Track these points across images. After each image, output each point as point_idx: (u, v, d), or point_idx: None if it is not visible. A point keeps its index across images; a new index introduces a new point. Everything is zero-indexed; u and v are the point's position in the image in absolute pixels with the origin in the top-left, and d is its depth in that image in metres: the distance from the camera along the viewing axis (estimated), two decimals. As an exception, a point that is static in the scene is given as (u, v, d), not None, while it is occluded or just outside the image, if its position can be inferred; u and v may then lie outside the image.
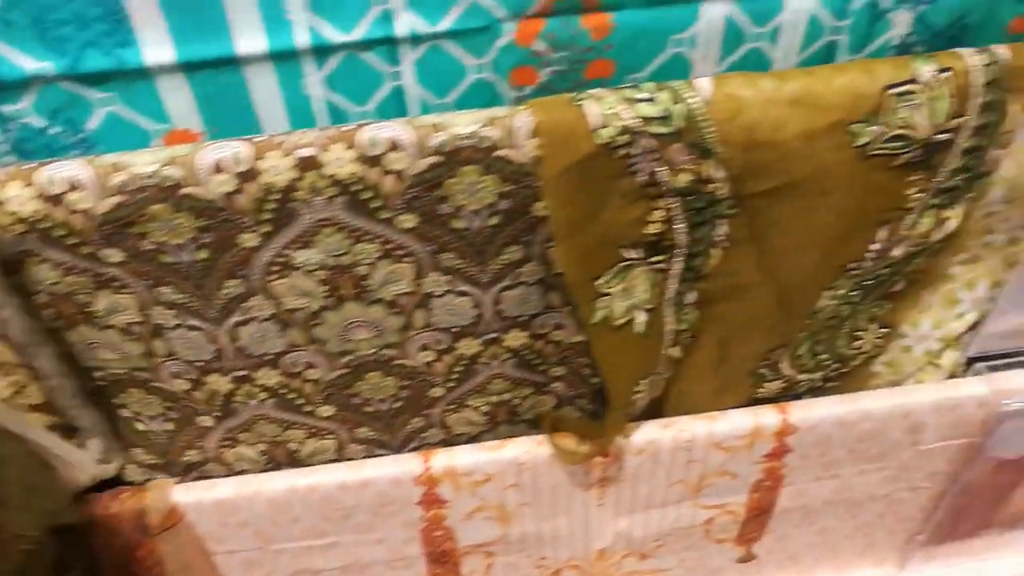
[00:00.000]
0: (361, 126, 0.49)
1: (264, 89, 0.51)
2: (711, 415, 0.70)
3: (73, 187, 0.49)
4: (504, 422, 0.68)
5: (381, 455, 0.68)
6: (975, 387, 0.71)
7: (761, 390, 0.70)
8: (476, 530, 0.74)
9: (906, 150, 0.53)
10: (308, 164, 0.49)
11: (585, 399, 0.68)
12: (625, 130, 0.50)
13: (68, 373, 0.59)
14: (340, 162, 0.49)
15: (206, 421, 0.64)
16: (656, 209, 0.55)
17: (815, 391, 0.73)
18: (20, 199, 0.48)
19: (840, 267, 0.60)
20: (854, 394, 0.71)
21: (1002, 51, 0.51)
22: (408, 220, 0.53)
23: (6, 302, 0.52)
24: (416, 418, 0.66)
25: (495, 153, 0.50)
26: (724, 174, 0.53)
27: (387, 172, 0.50)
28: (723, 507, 0.77)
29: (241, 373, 0.61)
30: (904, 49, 0.55)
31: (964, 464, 0.77)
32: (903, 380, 0.73)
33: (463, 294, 0.58)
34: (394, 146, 0.49)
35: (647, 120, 0.50)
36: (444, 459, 0.68)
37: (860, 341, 0.68)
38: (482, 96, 0.53)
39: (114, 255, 0.52)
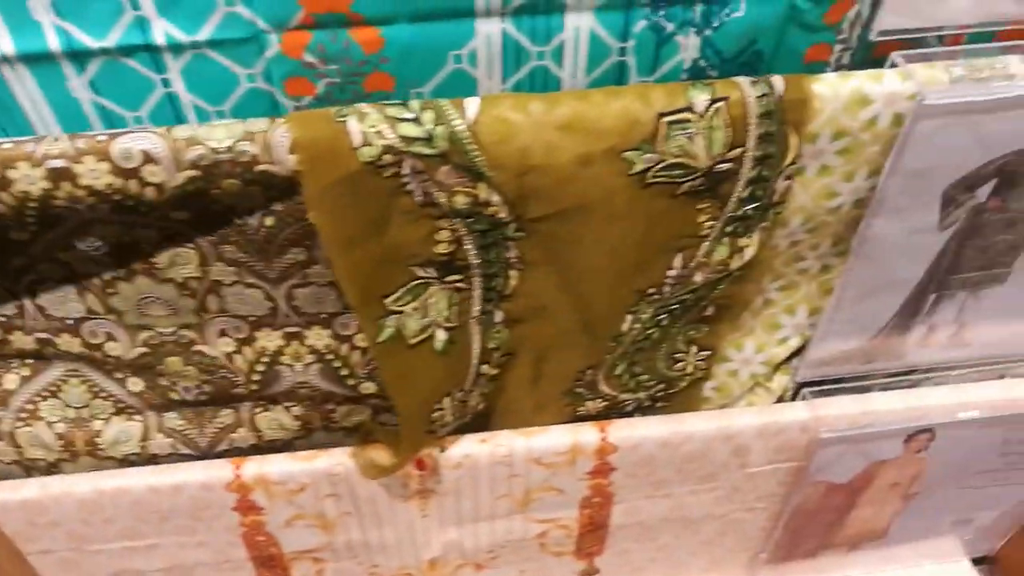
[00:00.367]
0: (114, 136, 0.47)
1: (26, 91, 0.49)
2: (529, 431, 0.68)
3: None
4: (320, 429, 0.66)
5: (188, 454, 0.66)
6: (797, 413, 0.70)
7: (583, 408, 0.69)
8: (299, 537, 0.72)
9: (687, 178, 0.52)
10: (61, 175, 0.47)
11: (399, 411, 0.67)
12: (388, 149, 0.48)
13: None
14: (95, 174, 0.47)
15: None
16: (442, 229, 0.53)
17: (644, 410, 0.71)
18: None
19: (639, 291, 0.58)
20: (676, 415, 0.69)
21: (778, 82, 0.50)
22: (181, 215, 0.51)
23: None
24: (225, 410, 0.64)
25: (256, 168, 0.48)
26: (500, 198, 0.51)
27: (146, 184, 0.48)
28: (554, 521, 0.76)
29: (43, 335, 0.59)
30: (697, 73, 0.54)
31: (795, 487, 0.76)
32: (733, 403, 0.72)
33: (253, 286, 0.56)
34: (149, 159, 0.47)
35: (410, 140, 0.48)
36: (255, 467, 0.67)
37: (681, 363, 0.67)
38: (261, 104, 0.51)
39: None
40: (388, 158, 0.49)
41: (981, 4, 0.52)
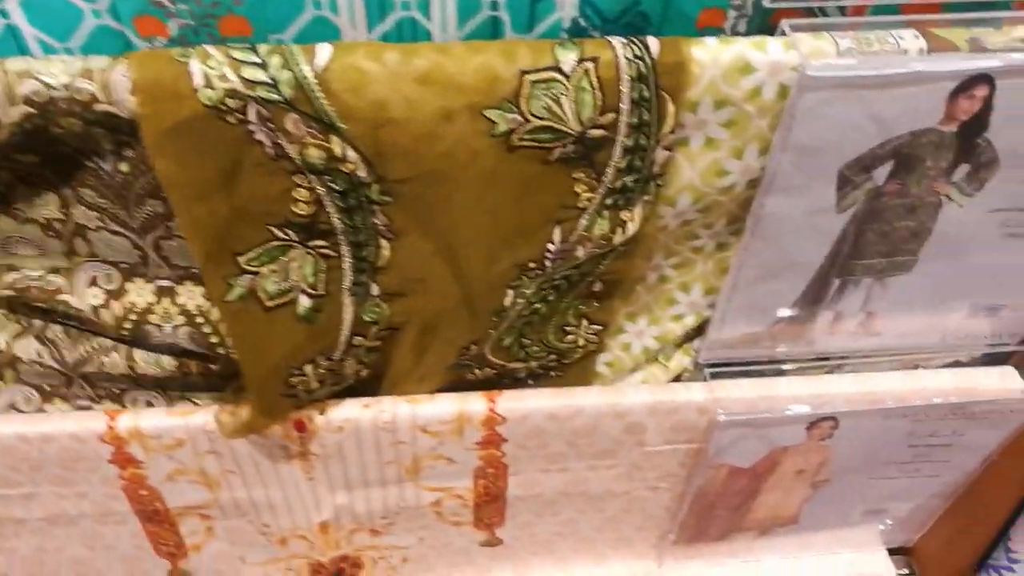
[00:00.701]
0: (-58, 64, 0.43)
1: None
2: (414, 398, 0.66)
3: None
4: (196, 374, 0.63)
5: (53, 368, 0.63)
6: (692, 393, 0.67)
7: (471, 375, 0.66)
8: (182, 492, 0.70)
9: (557, 144, 0.48)
10: None
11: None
12: (232, 93, 0.45)
13: None
14: (-77, 103, 0.44)
15: None
16: (299, 187, 0.50)
17: (537, 377, 0.68)
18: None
19: (519, 266, 0.55)
20: (566, 389, 0.67)
21: (653, 44, 0.46)
22: (30, 158, 0.48)
23: None
24: (99, 338, 0.61)
25: (96, 108, 0.45)
26: (356, 154, 0.47)
27: (-20, 117, 0.44)
28: (448, 491, 0.74)
29: None
30: (578, 33, 0.50)
31: (696, 469, 0.73)
32: (625, 377, 0.69)
33: (118, 234, 0.54)
34: (-21, 91, 0.43)
35: (254, 84, 0.45)
36: (129, 420, 0.64)
37: (572, 336, 0.64)
38: (114, 44, 0.48)
39: None
40: (232, 103, 0.45)
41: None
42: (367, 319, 0.57)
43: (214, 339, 0.59)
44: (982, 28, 0.50)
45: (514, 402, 0.66)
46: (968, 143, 0.52)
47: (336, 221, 0.52)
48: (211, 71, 0.45)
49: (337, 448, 0.67)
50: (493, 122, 0.47)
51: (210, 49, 0.45)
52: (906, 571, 0.87)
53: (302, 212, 0.51)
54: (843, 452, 0.74)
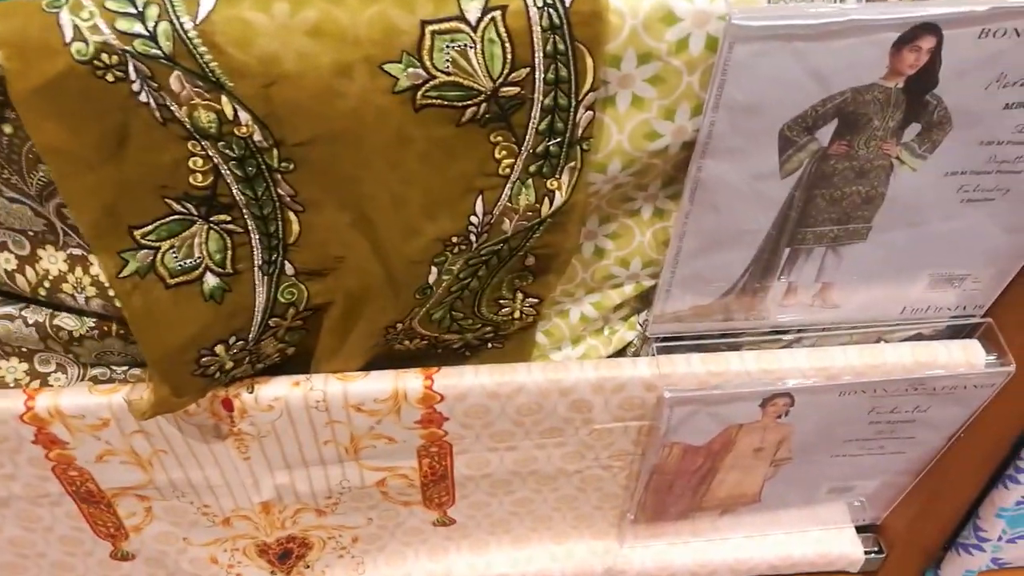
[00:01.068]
0: None
1: None
2: (347, 375, 0.62)
3: None
4: (119, 336, 0.59)
5: None
6: (638, 369, 0.63)
7: (401, 347, 0.62)
8: (115, 473, 0.66)
9: (468, 103, 0.44)
10: None
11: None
12: (105, 47, 0.40)
13: None
14: None
15: None
16: (194, 155, 0.45)
17: (474, 348, 0.64)
18: None
19: (441, 240, 0.51)
20: (507, 365, 0.63)
21: (565, -10, 0.41)
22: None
23: None
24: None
25: (-39, 63, 0.40)
26: (249, 115, 0.43)
27: None
28: (392, 470, 0.70)
29: None
30: (494, -15, 0.45)
31: (649, 447, 0.69)
32: (563, 344, 0.64)
33: (16, 201, 0.49)
34: None
35: (129, 37, 0.40)
36: (48, 399, 0.60)
37: (507, 309, 0.60)
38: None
39: None
40: (108, 59, 0.41)
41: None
42: (284, 300, 0.53)
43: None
44: (928, -27, 0.45)
45: (452, 379, 0.62)
46: (916, 100, 0.48)
47: (236, 192, 0.47)
48: (83, 23, 0.40)
49: (270, 427, 0.63)
50: (394, 77, 0.43)
51: None
52: (874, 549, 0.83)
53: (199, 183, 0.47)
54: (802, 429, 0.69)
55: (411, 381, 0.62)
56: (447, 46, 0.42)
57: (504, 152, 0.47)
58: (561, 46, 0.43)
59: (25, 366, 0.61)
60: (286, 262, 0.52)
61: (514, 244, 0.53)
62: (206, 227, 0.49)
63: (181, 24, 0.41)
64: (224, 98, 0.43)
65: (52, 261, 0.54)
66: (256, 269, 0.51)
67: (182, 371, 0.54)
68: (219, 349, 0.54)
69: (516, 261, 0.55)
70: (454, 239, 0.51)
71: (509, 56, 0.43)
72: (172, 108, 0.43)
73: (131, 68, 0.42)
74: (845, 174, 0.53)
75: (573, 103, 0.46)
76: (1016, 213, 0.55)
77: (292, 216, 0.49)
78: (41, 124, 0.43)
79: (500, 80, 0.44)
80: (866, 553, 0.83)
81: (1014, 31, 0.44)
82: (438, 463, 0.70)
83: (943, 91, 0.47)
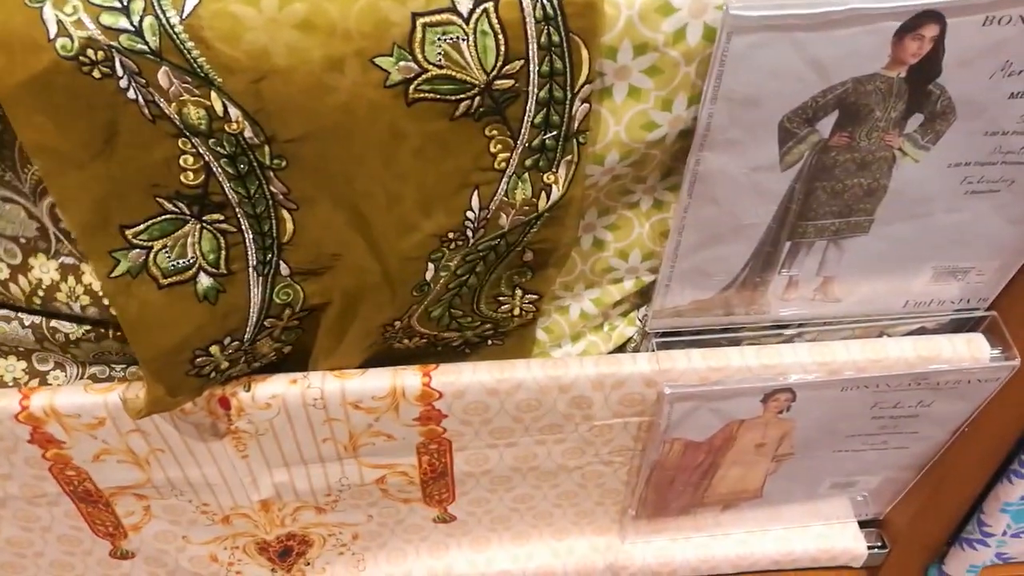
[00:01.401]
0: None
1: None
2: (344, 373, 0.61)
3: None
4: (116, 339, 0.58)
5: None
6: (638, 365, 0.62)
7: (400, 346, 0.60)
8: (113, 472, 0.65)
9: (462, 96, 0.43)
10: None
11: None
12: (90, 43, 0.39)
13: None
14: None
15: None
16: (185, 153, 0.44)
17: (474, 345, 0.63)
18: None
19: (437, 236, 0.50)
20: (505, 362, 0.61)
21: (558, -19, 0.40)
22: None
23: None
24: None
25: (-54, 58, 0.39)
26: (239, 111, 0.42)
27: None
28: (392, 467, 0.69)
29: None
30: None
31: (649, 443, 0.68)
32: (564, 341, 0.63)
33: (9, 200, 0.48)
34: None
35: (115, 33, 0.39)
36: (43, 398, 0.59)
37: (507, 306, 0.59)
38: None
39: None
40: (94, 55, 0.40)
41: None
42: (279, 301, 0.52)
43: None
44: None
45: (450, 376, 0.61)
46: (919, 90, 0.46)
47: (229, 191, 0.46)
48: (67, 17, 0.39)
49: (268, 425, 0.62)
50: (386, 71, 0.41)
51: (70, -7, 0.39)
52: (877, 544, 0.82)
53: (190, 181, 0.45)
54: (804, 425, 0.68)
55: (409, 378, 0.61)
56: (439, 39, 0.41)
57: (499, 146, 0.46)
58: (556, 38, 0.42)
59: (24, 364, 0.60)
60: (281, 262, 0.51)
61: (511, 239, 0.52)
62: (199, 226, 0.48)
63: (167, 18, 0.40)
64: (213, 94, 0.42)
65: (44, 270, 0.53)
66: (251, 269, 0.50)
67: (176, 371, 0.53)
68: (214, 349, 0.53)
69: (514, 256, 0.54)
70: (450, 235, 0.50)
71: (502, 48, 0.42)
72: (161, 104, 0.42)
73: (118, 64, 0.41)
74: (846, 166, 0.51)
75: (569, 96, 0.44)
76: (1021, 204, 0.54)
77: (286, 214, 0.48)
78: (28, 121, 0.42)
79: (494, 73, 0.42)
80: (869, 548, 0.82)
81: (1019, 18, 0.43)
82: (438, 460, 0.69)
83: (946, 80, 0.46)
